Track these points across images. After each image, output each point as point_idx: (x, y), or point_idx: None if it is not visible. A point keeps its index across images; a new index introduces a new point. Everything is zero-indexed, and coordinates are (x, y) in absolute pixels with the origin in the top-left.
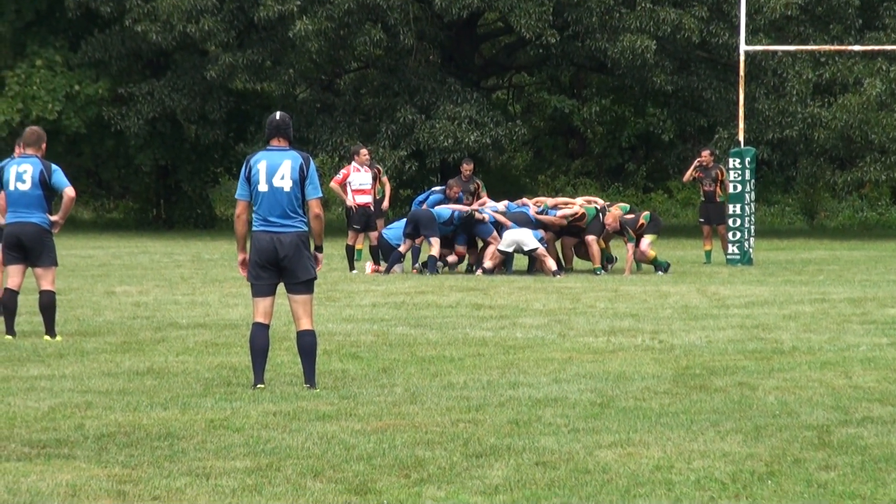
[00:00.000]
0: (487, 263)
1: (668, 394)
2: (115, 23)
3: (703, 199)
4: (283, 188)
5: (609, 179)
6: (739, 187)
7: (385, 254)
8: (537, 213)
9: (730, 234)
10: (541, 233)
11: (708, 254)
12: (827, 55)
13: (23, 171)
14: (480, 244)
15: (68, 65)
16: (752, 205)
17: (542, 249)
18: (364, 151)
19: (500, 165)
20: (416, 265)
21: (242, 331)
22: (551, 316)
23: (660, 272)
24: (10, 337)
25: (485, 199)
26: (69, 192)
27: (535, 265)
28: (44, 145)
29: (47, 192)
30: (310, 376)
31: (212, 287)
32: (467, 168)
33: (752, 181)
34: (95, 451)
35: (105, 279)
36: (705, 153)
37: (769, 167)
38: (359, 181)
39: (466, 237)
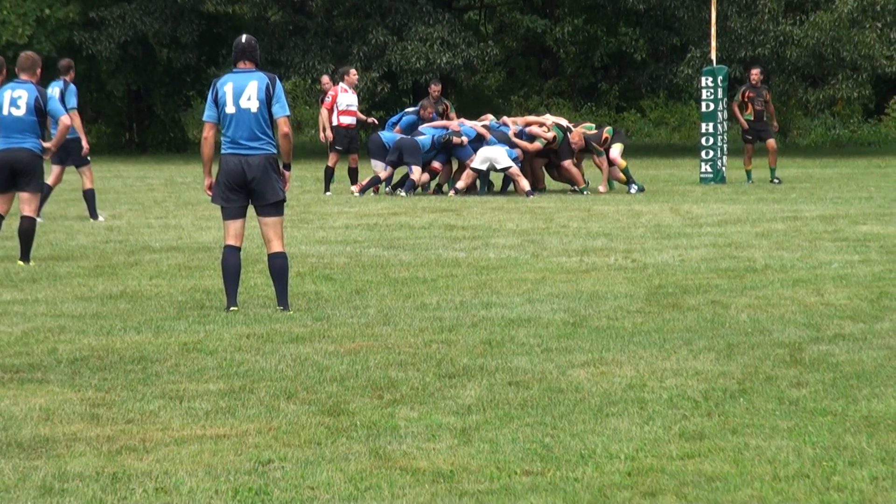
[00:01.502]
0: (460, 184)
1: (640, 313)
2: None
3: (752, 118)
4: (250, 109)
5: (582, 99)
6: (712, 105)
7: (374, 152)
8: (515, 134)
9: (702, 153)
10: (516, 151)
11: (749, 173)
12: None
13: (17, 97)
14: (456, 165)
15: None
16: (725, 123)
17: (515, 168)
18: (353, 72)
19: (472, 86)
20: (388, 188)
21: (215, 253)
22: (524, 236)
23: (633, 187)
24: None
25: (454, 120)
26: (64, 119)
27: (509, 184)
28: (39, 70)
29: (41, 118)
30: (282, 299)
31: (185, 210)
32: (435, 89)
33: (725, 99)
34: (69, 375)
35: (78, 204)
36: (755, 72)
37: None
38: (346, 102)
39: (445, 156)
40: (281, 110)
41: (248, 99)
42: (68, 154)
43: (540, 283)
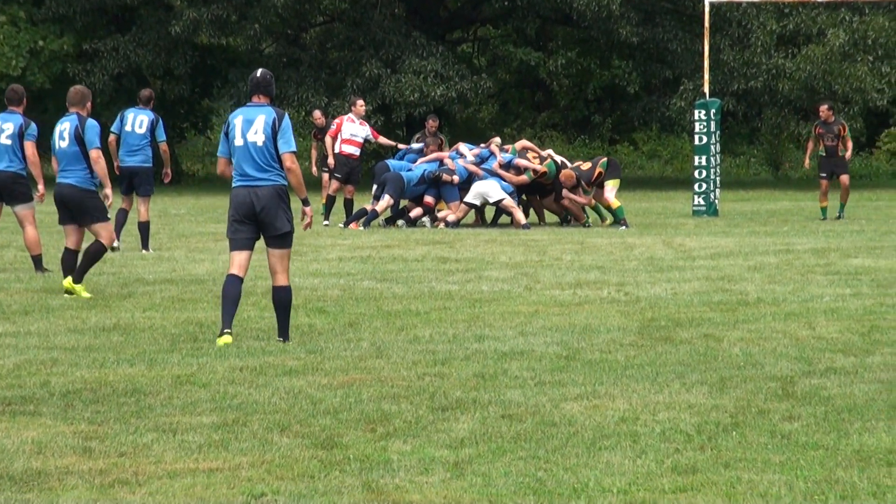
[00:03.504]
0: (452, 217)
1: (633, 346)
2: None
3: (823, 153)
4: (256, 142)
5: (575, 132)
6: (705, 139)
7: (392, 183)
8: (501, 166)
9: (695, 186)
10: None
11: (824, 210)
12: (791, 6)
13: (63, 129)
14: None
15: (32, 20)
16: (718, 156)
17: (508, 201)
18: (360, 102)
19: (466, 118)
20: (381, 222)
21: (209, 286)
22: (517, 269)
23: (623, 226)
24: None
25: (446, 154)
26: (92, 153)
27: (500, 218)
28: (89, 104)
29: (85, 148)
30: (283, 331)
31: (178, 242)
32: (433, 124)
33: (718, 132)
34: (61, 408)
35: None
36: (823, 108)
37: (734, 118)
38: (350, 131)
39: (435, 191)
40: (285, 146)
41: (255, 132)
42: (140, 182)
43: (533, 315)
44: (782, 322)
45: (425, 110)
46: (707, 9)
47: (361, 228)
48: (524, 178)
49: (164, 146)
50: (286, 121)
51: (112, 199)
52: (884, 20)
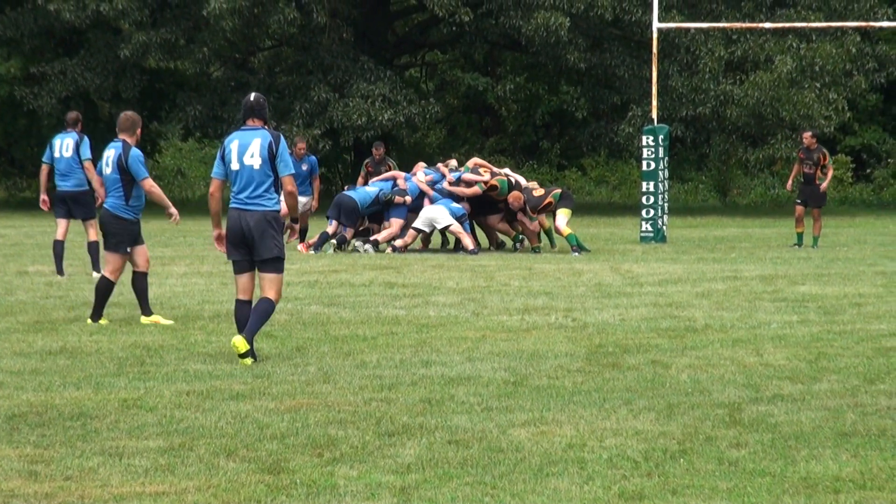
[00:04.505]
0: (398, 242)
1: (581, 372)
2: (26, 1)
3: (801, 180)
4: (252, 166)
5: (524, 157)
6: (653, 164)
7: (347, 214)
8: (451, 183)
9: (643, 212)
10: (463, 207)
11: (800, 236)
12: (739, 32)
13: (108, 156)
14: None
15: None
16: (666, 182)
17: (456, 226)
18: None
19: (413, 143)
20: (342, 245)
21: (156, 310)
22: (465, 294)
23: (575, 253)
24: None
25: (401, 175)
26: (144, 183)
27: (448, 243)
28: (139, 131)
29: (125, 176)
30: (250, 329)
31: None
32: (378, 152)
33: (666, 158)
34: (7, 432)
35: (17, 259)
36: (807, 135)
37: (682, 144)
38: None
39: (403, 213)
40: (285, 169)
41: (252, 156)
42: (77, 206)
43: (480, 341)
44: (730, 349)
45: (373, 135)
46: (655, 35)
47: (312, 252)
48: (476, 189)
49: (87, 164)
50: (283, 144)
51: (178, 218)
52: (831, 47)
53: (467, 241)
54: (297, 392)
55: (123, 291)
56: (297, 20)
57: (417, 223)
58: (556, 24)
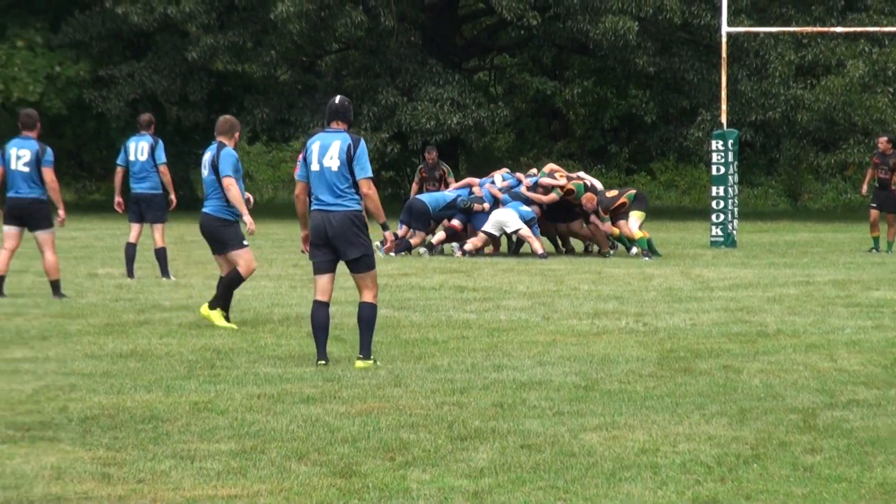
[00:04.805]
0: (469, 245)
1: (652, 377)
2: (95, 4)
3: (876, 185)
4: (331, 168)
5: (592, 161)
6: (723, 169)
7: (417, 217)
8: (529, 188)
9: (713, 216)
10: (533, 211)
11: (876, 241)
12: (809, 37)
13: (205, 160)
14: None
15: (49, 46)
16: (736, 187)
17: (526, 231)
18: None
19: (482, 147)
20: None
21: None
22: (535, 298)
23: (646, 257)
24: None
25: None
26: (224, 181)
27: (520, 246)
28: (237, 134)
29: (219, 177)
30: (363, 347)
31: (195, 269)
32: (430, 156)
33: (735, 163)
34: (80, 434)
35: (87, 261)
36: (882, 140)
37: (752, 149)
38: None
39: (464, 217)
40: (361, 172)
41: (331, 158)
42: (149, 209)
43: (551, 345)
44: (803, 354)
45: (441, 138)
46: (724, 39)
47: (383, 256)
48: (553, 195)
49: (162, 168)
50: (362, 147)
51: (253, 227)
52: None
53: (536, 246)
54: (368, 396)
55: (193, 295)
56: (365, 23)
57: (487, 227)
58: (624, 28)
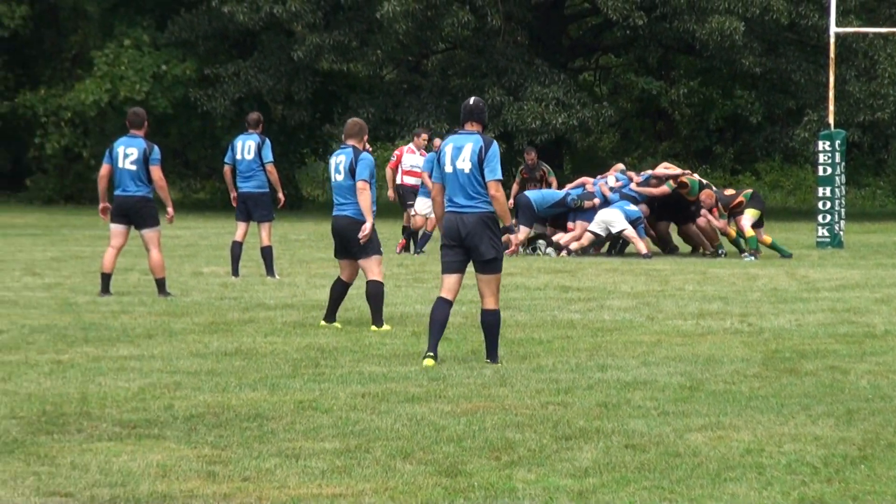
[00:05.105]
0: (574, 245)
1: (757, 377)
2: (201, 3)
3: None
4: (463, 170)
5: (697, 162)
6: (829, 170)
7: (522, 212)
8: (639, 183)
9: (819, 217)
10: (640, 210)
11: None
12: None
13: (339, 163)
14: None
15: (155, 45)
16: (843, 187)
17: (630, 231)
18: (424, 136)
19: (586, 147)
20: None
21: None
22: (639, 298)
23: (751, 257)
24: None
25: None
26: (358, 184)
27: (625, 247)
28: (366, 137)
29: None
30: (490, 353)
31: (299, 268)
32: (530, 157)
33: (843, 164)
34: (185, 432)
35: (192, 259)
36: None
37: (859, 150)
38: (410, 162)
39: (574, 216)
40: (490, 174)
41: (463, 160)
42: (256, 207)
43: (655, 345)
44: None
45: (546, 138)
46: (832, 40)
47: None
48: (665, 188)
49: (269, 167)
50: (493, 149)
51: (369, 233)
52: None
53: (640, 246)
54: (474, 395)
55: (297, 293)
56: (471, 23)
57: (593, 226)
58: (730, 28)
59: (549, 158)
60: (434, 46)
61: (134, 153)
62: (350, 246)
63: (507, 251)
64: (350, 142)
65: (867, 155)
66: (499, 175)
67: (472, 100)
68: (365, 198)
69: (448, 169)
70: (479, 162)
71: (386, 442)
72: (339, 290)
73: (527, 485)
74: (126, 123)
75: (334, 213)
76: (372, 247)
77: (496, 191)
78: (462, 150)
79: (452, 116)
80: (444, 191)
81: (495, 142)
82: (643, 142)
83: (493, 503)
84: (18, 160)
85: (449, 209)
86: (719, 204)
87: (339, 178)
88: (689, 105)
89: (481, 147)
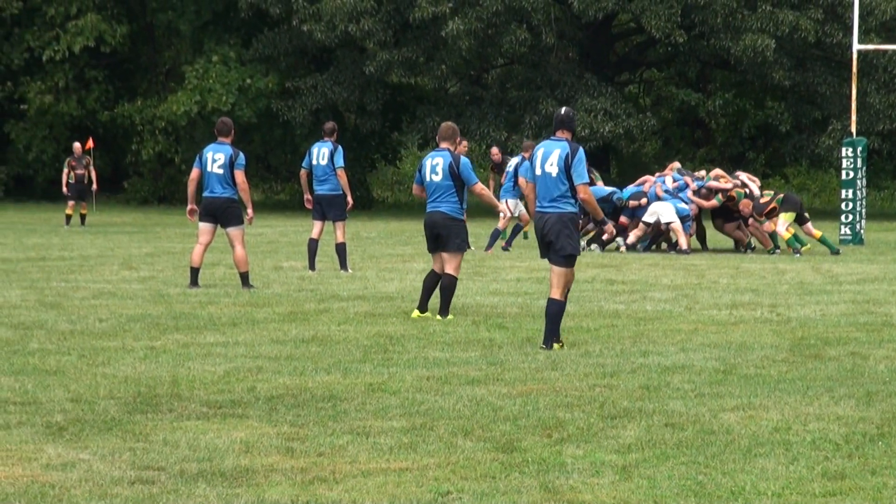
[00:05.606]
0: (630, 238)
1: (785, 362)
2: (283, 22)
3: None
4: (551, 174)
5: (731, 166)
6: (852, 174)
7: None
8: (694, 192)
9: (842, 217)
10: (690, 208)
11: None
12: None
13: (435, 164)
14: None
15: (241, 60)
16: (864, 189)
17: (677, 224)
18: (465, 144)
19: (631, 153)
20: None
21: (398, 303)
22: (678, 290)
23: (797, 255)
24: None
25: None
26: (475, 188)
27: (667, 242)
28: (458, 139)
29: (457, 182)
30: (547, 339)
31: (370, 263)
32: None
33: (864, 168)
34: (266, 412)
35: (273, 255)
36: None
37: (879, 156)
38: None
39: (629, 212)
40: (578, 178)
41: (551, 164)
42: (330, 208)
43: (693, 333)
44: None
45: (595, 145)
46: (855, 56)
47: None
48: (714, 202)
49: (339, 172)
50: (580, 155)
51: (508, 216)
52: None
53: (682, 241)
54: (528, 378)
55: (368, 286)
56: (528, 41)
57: (646, 216)
58: (762, 45)
59: (598, 164)
60: (494, 62)
61: (221, 158)
62: (442, 239)
63: (604, 237)
64: (444, 144)
65: (886, 160)
66: (585, 179)
67: (563, 110)
68: (487, 195)
69: (538, 171)
70: (566, 167)
71: (448, 421)
72: (432, 282)
73: (575, 459)
74: (214, 131)
75: (428, 209)
76: (460, 243)
77: (584, 193)
78: (551, 154)
79: (510, 125)
80: (534, 189)
81: (581, 148)
82: (683, 148)
83: (545, 477)
84: (117, 165)
85: (538, 209)
86: (754, 213)
87: (437, 178)
88: (724, 115)
89: (568, 153)
